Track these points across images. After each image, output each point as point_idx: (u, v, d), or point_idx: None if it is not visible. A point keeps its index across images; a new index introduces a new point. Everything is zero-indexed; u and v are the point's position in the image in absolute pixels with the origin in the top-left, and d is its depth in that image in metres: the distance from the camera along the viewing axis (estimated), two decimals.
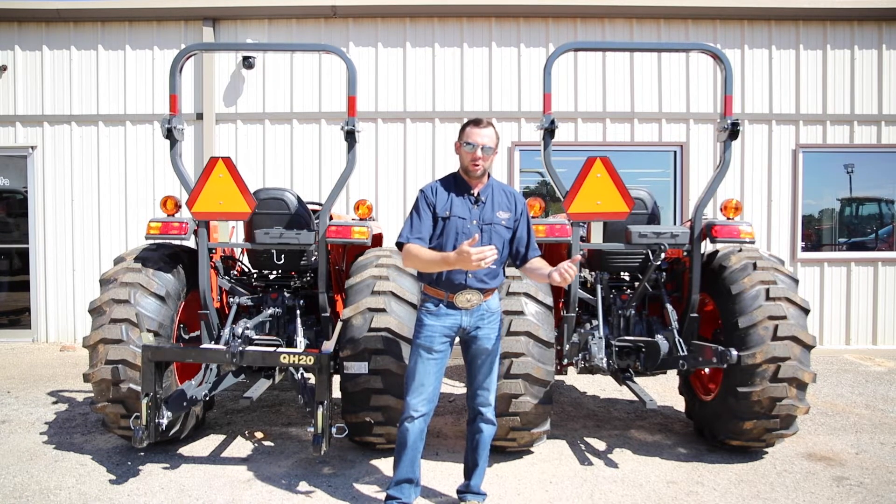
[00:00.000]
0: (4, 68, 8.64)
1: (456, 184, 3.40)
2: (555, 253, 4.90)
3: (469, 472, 3.53)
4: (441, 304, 3.33)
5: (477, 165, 3.29)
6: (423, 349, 3.34)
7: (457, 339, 3.44)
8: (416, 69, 8.64)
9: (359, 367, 4.01)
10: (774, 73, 8.64)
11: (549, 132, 4.44)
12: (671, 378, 5.81)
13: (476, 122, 3.32)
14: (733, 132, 4.34)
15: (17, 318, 8.92)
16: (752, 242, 4.58)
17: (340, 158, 8.29)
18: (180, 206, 4.76)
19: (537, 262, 3.40)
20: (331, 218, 4.59)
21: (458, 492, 3.60)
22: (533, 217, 4.61)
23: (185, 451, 4.51)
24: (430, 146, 8.62)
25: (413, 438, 3.37)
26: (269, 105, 8.65)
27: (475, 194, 3.36)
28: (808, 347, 4.11)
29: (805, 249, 8.75)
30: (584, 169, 4.26)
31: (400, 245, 3.33)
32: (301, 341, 4.53)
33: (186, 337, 4.67)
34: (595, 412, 5.59)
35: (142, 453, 4.43)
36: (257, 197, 4.56)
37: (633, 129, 8.65)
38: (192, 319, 4.68)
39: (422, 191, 3.38)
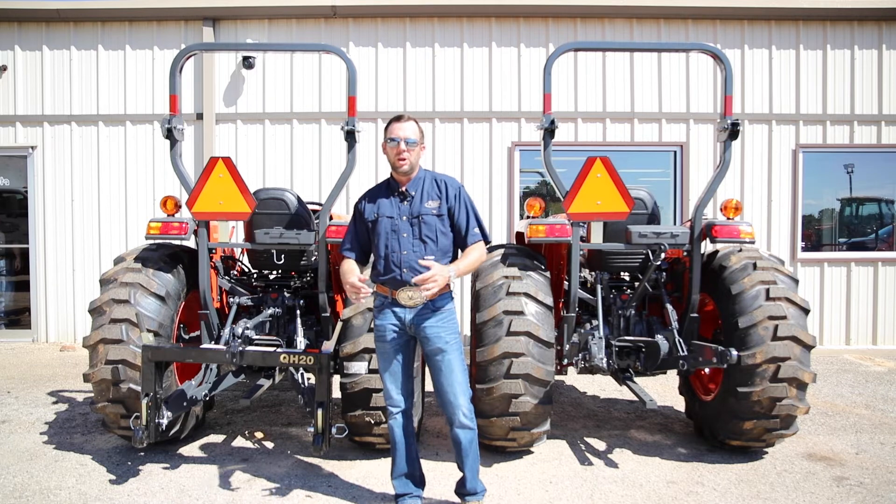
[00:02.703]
0: (4, 68, 8.64)
1: (388, 186, 3.47)
2: (555, 253, 4.90)
3: (462, 473, 3.50)
4: (386, 301, 3.38)
5: (403, 160, 3.33)
6: (380, 348, 3.43)
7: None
8: (416, 69, 8.64)
9: (359, 367, 4.01)
10: (774, 73, 8.64)
11: (549, 132, 4.44)
12: (671, 378, 5.81)
13: (397, 119, 3.38)
14: (733, 132, 4.34)
15: (17, 318, 8.93)
16: (752, 242, 4.58)
17: (340, 158, 8.29)
18: (180, 206, 4.76)
19: (468, 250, 3.39)
20: (331, 218, 4.60)
21: (456, 493, 3.57)
22: (533, 217, 4.63)
23: (185, 451, 4.51)
24: (429, 146, 8.61)
25: (399, 434, 3.43)
26: (269, 105, 8.65)
27: (403, 191, 3.39)
28: (808, 347, 4.11)
29: (805, 249, 8.75)
30: (584, 169, 4.26)
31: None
32: (301, 341, 4.53)
33: (186, 337, 4.67)
34: (595, 412, 5.59)
35: (142, 453, 4.43)
36: (257, 197, 4.56)
37: (633, 129, 8.65)
38: (192, 319, 4.68)
39: (355, 203, 3.53)
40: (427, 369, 3.56)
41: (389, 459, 4.23)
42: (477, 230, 3.39)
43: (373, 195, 3.48)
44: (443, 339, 3.32)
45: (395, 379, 3.41)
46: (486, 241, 3.46)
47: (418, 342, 3.47)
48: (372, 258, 3.49)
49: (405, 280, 3.29)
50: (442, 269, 3.19)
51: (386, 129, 3.39)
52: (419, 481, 3.54)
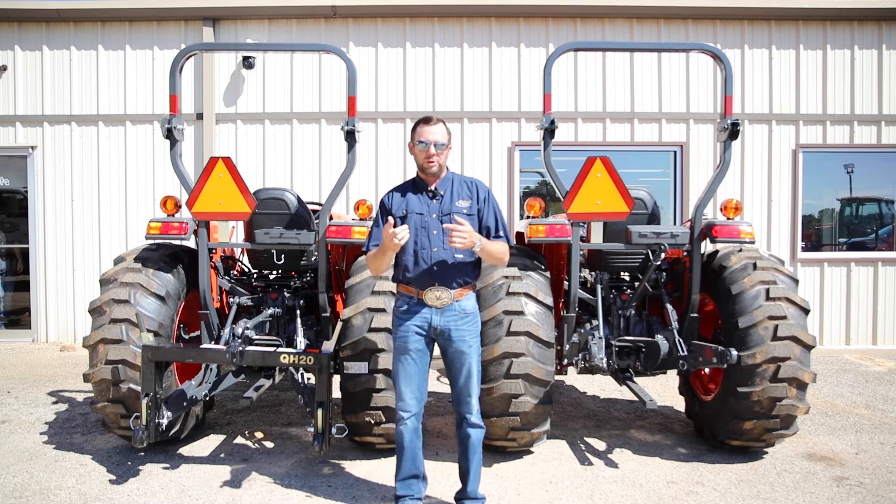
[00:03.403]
0: (4, 68, 8.64)
1: (414, 184, 3.46)
2: (555, 253, 4.90)
3: (464, 478, 3.48)
4: (411, 302, 3.36)
5: (432, 162, 3.33)
6: (400, 350, 3.38)
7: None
8: (416, 69, 8.64)
9: (359, 367, 4.01)
10: (774, 73, 8.64)
11: (549, 132, 4.44)
12: (671, 378, 5.81)
13: (426, 121, 3.37)
14: (733, 132, 4.34)
15: (17, 318, 8.92)
16: (752, 242, 4.58)
17: (340, 158, 8.29)
18: (180, 206, 4.76)
19: (493, 241, 3.40)
20: (331, 218, 4.60)
21: (456, 499, 3.54)
22: (533, 217, 4.63)
23: (185, 451, 4.51)
24: None
25: (409, 439, 3.39)
26: (269, 105, 8.65)
27: (433, 189, 3.39)
28: (808, 347, 4.11)
29: (805, 249, 8.75)
30: (584, 169, 4.26)
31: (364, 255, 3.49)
32: (301, 341, 4.53)
33: (186, 337, 4.67)
34: (595, 412, 5.59)
35: (142, 453, 4.43)
36: (257, 197, 4.56)
37: (633, 129, 8.65)
38: (192, 319, 4.68)
39: (381, 200, 3.49)
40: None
41: (389, 459, 4.25)
42: (502, 233, 3.44)
43: (401, 192, 3.45)
44: (466, 343, 3.34)
45: (410, 383, 3.37)
46: (510, 246, 3.48)
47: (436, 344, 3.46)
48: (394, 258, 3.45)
49: (434, 279, 3.28)
50: (473, 232, 3.21)
51: (414, 130, 3.38)
52: (422, 483, 3.53)
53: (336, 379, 4.15)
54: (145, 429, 3.80)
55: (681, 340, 4.37)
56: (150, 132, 8.66)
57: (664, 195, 8.61)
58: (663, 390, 6.13)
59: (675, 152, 8.69)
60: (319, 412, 3.69)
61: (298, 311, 4.75)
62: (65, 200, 8.68)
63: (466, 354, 3.35)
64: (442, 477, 4.01)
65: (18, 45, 8.66)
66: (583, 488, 3.94)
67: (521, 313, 4.07)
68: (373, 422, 4.11)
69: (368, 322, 4.05)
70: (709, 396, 4.62)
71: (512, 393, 4.02)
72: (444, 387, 6.06)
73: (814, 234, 8.93)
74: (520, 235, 5.06)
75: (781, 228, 8.66)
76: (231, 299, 4.75)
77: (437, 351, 3.50)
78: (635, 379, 4.70)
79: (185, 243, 4.70)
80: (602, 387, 6.43)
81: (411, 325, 3.34)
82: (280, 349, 4.23)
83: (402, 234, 3.17)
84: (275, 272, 5.27)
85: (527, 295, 4.14)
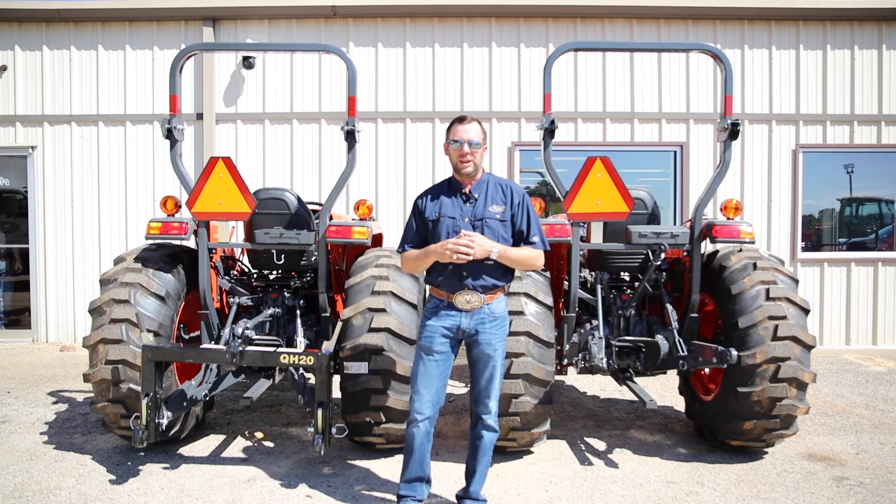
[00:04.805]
0: (4, 68, 8.64)
1: (449, 186, 3.43)
2: (555, 253, 4.90)
3: (469, 477, 3.48)
4: (441, 304, 3.34)
5: (466, 162, 3.31)
6: (424, 350, 3.36)
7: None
8: (416, 69, 8.64)
9: (359, 367, 4.01)
10: (774, 73, 8.64)
11: (549, 132, 4.45)
12: (671, 378, 5.81)
13: (460, 120, 3.35)
14: (733, 132, 4.34)
15: (17, 318, 8.92)
16: (752, 242, 4.58)
17: (340, 158, 8.29)
18: (180, 206, 4.76)
19: (523, 246, 3.37)
20: (331, 218, 4.60)
21: (458, 497, 3.55)
22: None
23: (185, 451, 4.51)
24: (430, 146, 8.62)
25: (419, 442, 3.37)
26: (269, 105, 8.65)
27: (467, 192, 3.37)
28: (808, 347, 4.11)
29: (805, 249, 8.75)
30: (584, 169, 4.26)
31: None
32: (301, 341, 4.53)
33: (186, 337, 4.67)
34: (595, 412, 5.59)
35: (142, 453, 4.43)
36: (257, 197, 4.56)
37: (633, 129, 8.65)
38: (192, 319, 4.68)
39: (415, 201, 3.47)
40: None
41: (389, 459, 4.26)
42: (537, 238, 3.37)
43: (434, 194, 3.42)
44: (492, 347, 3.34)
45: (429, 384, 3.34)
46: (545, 251, 3.42)
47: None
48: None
49: (465, 283, 3.27)
50: (485, 241, 3.19)
51: (448, 130, 3.37)
52: (426, 486, 3.51)
53: (336, 379, 4.15)
54: (145, 429, 3.80)
55: (681, 340, 4.37)
56: (150, 132, 8.66)
57: (664, 195, 8.61)
58: (663, 390, 6.12)
59: (675, 152, 8.69)
60: (319, 412, 3.69)
61: (298, 311, 4.75)
62: (65, 200, 8.68)
63: (492, 358, 3.34)
64: (442, 477, 4.01)
65: (18, 45, 8.66)
66: (583, 488, 3.94)
67: (521, 313, 4.07)
68: (373, 422, 4.11)
69: (368, 322, 4.05)
70: (709, 396, 4.62)
71: (512, 393, 4.02)
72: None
73: (814, 234, 8.93)
74: None
75: (781, 228, 8.66)
76: (231, 299, 4.75)
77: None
78: (635, 379, 4.70)
79: (185, 243, 4.70)
80: (602, 387, 6.43)
81: (439, 327, 3.32)
82: (280, 349, 4.23)
83: (477, 248, 3.14)
84: (275, 272, 5.28)
85: (527, 295, 4.15)
